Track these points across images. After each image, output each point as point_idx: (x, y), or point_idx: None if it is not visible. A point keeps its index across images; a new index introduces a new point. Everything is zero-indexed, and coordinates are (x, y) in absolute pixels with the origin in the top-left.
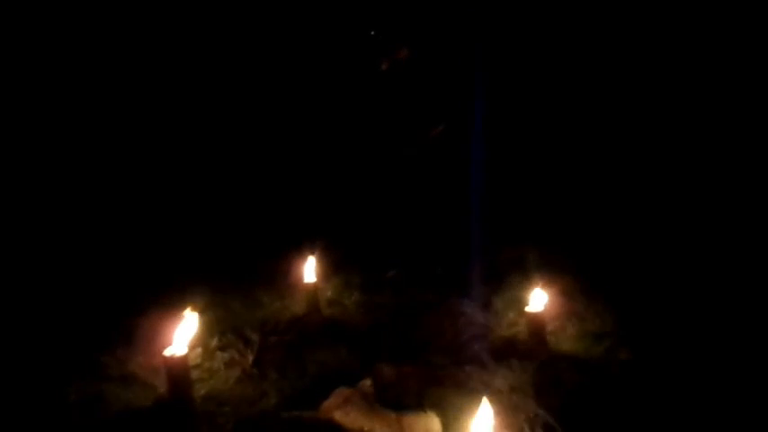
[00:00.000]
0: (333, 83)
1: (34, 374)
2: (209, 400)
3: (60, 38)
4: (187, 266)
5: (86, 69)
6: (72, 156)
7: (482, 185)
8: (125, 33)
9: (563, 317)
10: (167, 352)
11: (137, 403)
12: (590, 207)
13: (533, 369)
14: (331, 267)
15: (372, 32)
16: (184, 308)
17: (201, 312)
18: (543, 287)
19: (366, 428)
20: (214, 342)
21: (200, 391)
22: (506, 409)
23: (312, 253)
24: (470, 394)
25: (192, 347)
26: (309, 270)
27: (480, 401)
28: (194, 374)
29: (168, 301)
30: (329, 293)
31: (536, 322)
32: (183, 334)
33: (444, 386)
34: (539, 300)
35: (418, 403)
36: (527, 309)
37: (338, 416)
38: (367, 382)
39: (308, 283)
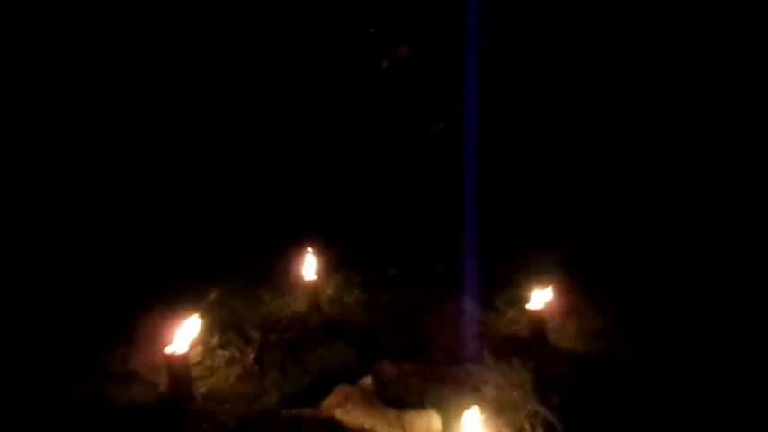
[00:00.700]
0: (333, 81)
1: (36, 372)
2: (209, 398)
3: (60, 38)
4: (188, 265)
5: (86, 69)
6: (74, 155)
7: (482, 183)
8: (125, 33)
9: (563, 314)
10: (168, 350)
11: (137, 401)
12: (590, 205)
13: (534, 366)
14: (331, 265)
15: (372, 30)
16: (191, 312)
17: (202, 312)
18: (544, 285)
19: (367, 426)
20: (215, 340)
21: (201, 388)
22: (507, 406)
23: (313, 251)
24: (471, 392)
25: (193, 345)
26: (310, 268)
27: (480, 399)
28: (195, 372)
29: (169, 300)
30: (330, 291)
31: (536, 320)
32: (184, 334)
33: (445, 384)
34: (539, 297)
35: (419, 401)
36: (527, 306)
37: (339, 414)
38: (367, 380)
39: (308, 281)
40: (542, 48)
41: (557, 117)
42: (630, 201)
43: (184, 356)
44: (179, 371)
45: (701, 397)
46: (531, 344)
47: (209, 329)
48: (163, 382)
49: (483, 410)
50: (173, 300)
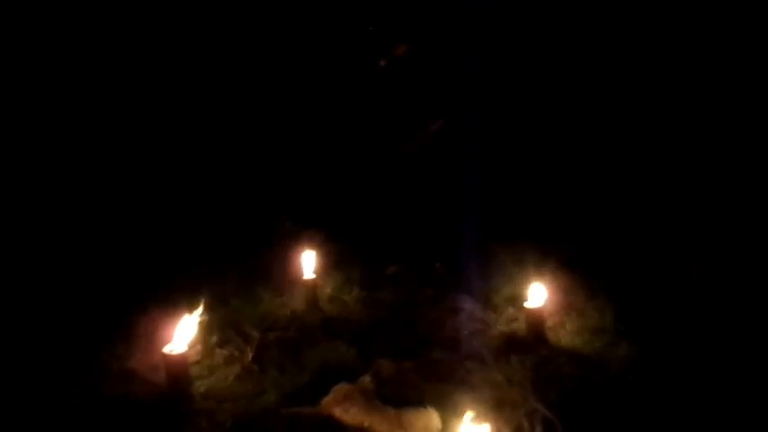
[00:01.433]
0: (333, 79)
1: (35, 371)
2: (208, 397)
3: (60, 38)
4: (186, 263)
5: (85, 69)
6: (72, 154)
7: (481, 181)
8: (123, 32)
9: (562, 312)
10: (167, 349)
11: (136, 400)
12: (589, 202)
13: (532, 364)
14: (330, 263)
15: (371, 28)
16: (193, 308)
17: (200, 311)
18: (542, 283)
19: (366, 425)
20: (213, 339)
21: (200, 388)
22: (506, 404)
23: (311, 249)
24: (470, 390)
25: (192, 344)
26: (309, 266)
27: (479, 397)
28: (194, 371)
29: (168, 298)
30: (329, 289)
31: (535, 317)
32: (183, 333)
33: (444, 382)
34: (538, 295)
35: (418, 399)
36: (526, 304)
37: (338, 412)
38: (367, 379)
39: (307, 280)
40: (540, 46)
41: (556, 115)
42: (629, 199)
43: (183, 355)
44: (178, 370)
45: (699, 394)
46: (529, 342)
47: (207, 328)
48: (162, 382)
49: (482, 409)
50: (171, 299)
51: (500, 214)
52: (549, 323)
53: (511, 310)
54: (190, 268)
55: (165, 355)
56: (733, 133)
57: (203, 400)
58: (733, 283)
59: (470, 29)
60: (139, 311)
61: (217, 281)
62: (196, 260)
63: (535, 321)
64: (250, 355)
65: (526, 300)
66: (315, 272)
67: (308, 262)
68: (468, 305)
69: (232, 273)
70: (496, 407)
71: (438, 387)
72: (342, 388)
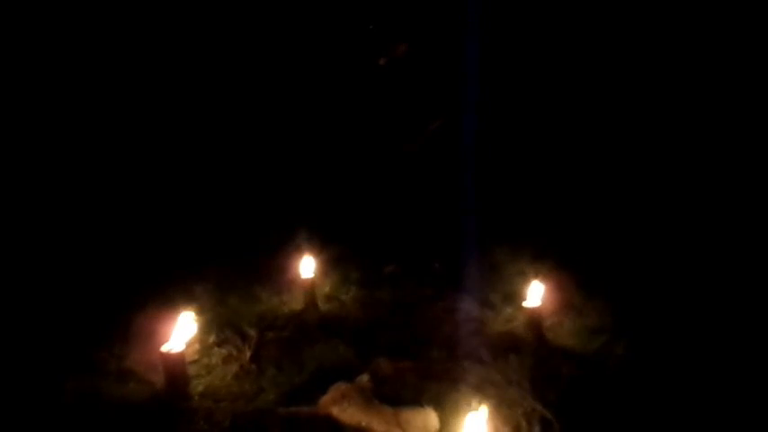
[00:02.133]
0: (332, 79)
1: (32, 370)
2: (206, 397)
3: (60, 38)
4: (184, 262)
5: (85, 69)
6: (69, 153)
7: (479, 181)
8: (122, 32)
9: (560, 312)
10: (164, 348)
11: (134, 399)
12: (587, 203)
13: (530, 364)
14: (329, 263)
15: (371, 26)
16: (187, 309)
17: (198, 311)
18: (540, 282)
19: (364, 424)
20: (211, 338)
21: (198, 387)
22: (504, 403)
23: (309, 248)
24: (468, 389)
25: (190, 344)
26: (307, 266)
27: (477, 397)
28: (191, 370)
29: (166, 298)
30: (327, 289)
31: (533, 317)
32: (180, 332)
33: (442, 381)
34: (536, 295)
35: (416, 398)
36: (524, 304)
37: (336, 411)
38: (365, 378)
39: (305, 279)
40: (538, 45)
41: (554, 113)
42: (628, 198)
43: (181, 355)
44: (175, 369)
45: (697, 394)
46: (527, 341)
47: (205, 328)
48: (159, 381)
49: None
50: (169, 298)
51: (498, 214)
52: (548, 323)
53: (509, 310)
54: (188, 267)
55: (162, 354)
56: (731, 133)
57: (201, 400)
58: (731, 283)
59: (470, 28)
60: (137, 310)
61: (215, 280)
62: (194, 259)
63: (533, 321)
64: (248, 355)
65: (524, 299)
66: (313, 271)
67: (307, 261)
68: (466, 304)
69: (230, 272)
70: (495, 406)
71: (436, 386)
72: (339, 387)
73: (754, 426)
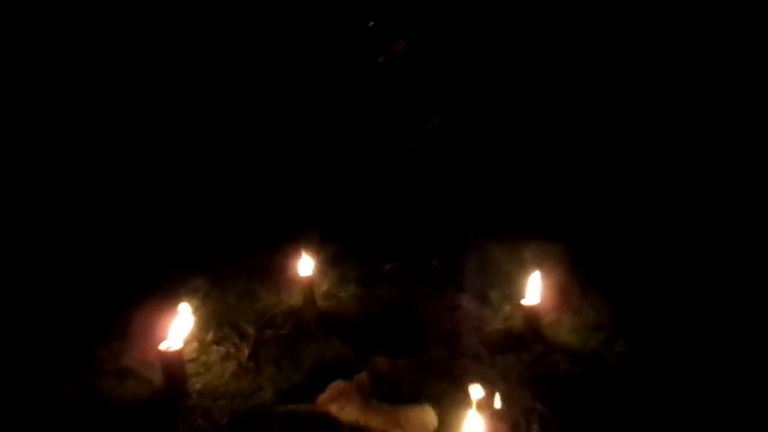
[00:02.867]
0: (330, 77)
1: (30, 368)
2: (204, 395)
3: (60, 38)
4: (182, 260)
5: (84, 68)
6: (67, 151)
7: (478, 179)
8: (121, 32)
9: (559, 309)
10: (162, 346)
11: (131, 397)
12: (586, 200)
13: (529, 362)
14: (327, 260)
15: (371, 24)
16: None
17: (196, 308)
18: (539, 280)
19: (362, 422)
20: (209, 336)
21: (196, 385)
22: (502, 401)
23: (308, 246)
24: (466, 387)
25: (188, 341)
26: (305, 263)
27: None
28: (189, 368)
29: (163, 295)
30: (325, 287)
31: (532, 315)
32: (178, 328)
33: (440, 379)
34: (534, 292)
35: (414, 397)
36: (523, 301)
37: (334, 409)
38: (363, 376)
39: (303, 277)
40: (538, 42)
41: (553, 111)
42: (626, 196)
43: (179, 352)
44: (173, 367)
45: (696, 391)
46: (526, 339)
47: (203, 325)
48: (157, 379)
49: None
50: (167, 296)
51: (497, 212)
52: (546, 320)
53: (507, 308)
54: (186, 265)
55: (160, 352)
56: (730, 133)
57: (199, 398)
58: (729, 281)
59: (469, 26)
60: (135, 308)
61: (213, 277)
62: (192, 257)
63: (532, 319)
64: (246, 352)
65: (523, 297)
66: (311, 269)
67: (305, 259)
68: (464, 302)
69: (228, 269)
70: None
71: (434, 384)
72: (338, 385)
73: (753, 423)
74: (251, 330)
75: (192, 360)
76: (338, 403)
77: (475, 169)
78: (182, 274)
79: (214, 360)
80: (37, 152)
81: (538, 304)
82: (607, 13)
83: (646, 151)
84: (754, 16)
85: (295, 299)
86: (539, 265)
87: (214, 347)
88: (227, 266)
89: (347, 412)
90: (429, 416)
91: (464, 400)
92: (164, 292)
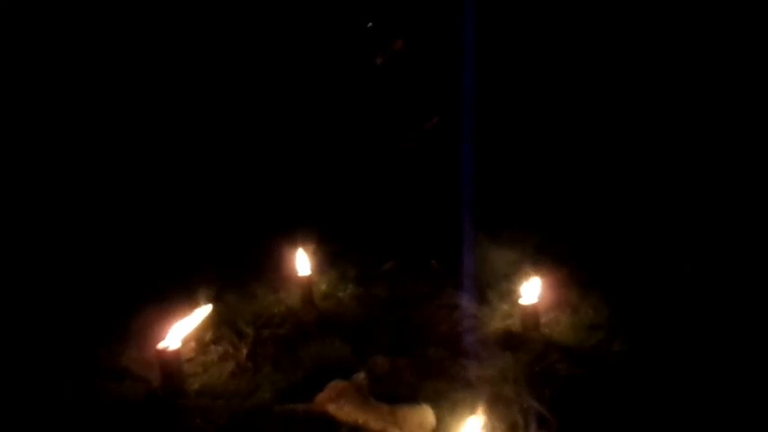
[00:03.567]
0: (329, 76)
1: (30, 367)
2: (202, 394)
3: (61, 38)
4: (181, 261)
5: (85, 69)
6: (69, 154)
7: (477, 178)
8: (121, 32)
9: (557, 309)
10: (161, 346)
11: (130, 397)
12: (584, 200)
13: (527, 361)
14: (326, 260)
15: (370, 24)
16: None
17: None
18: (537, 279)
19: (360, 421)
20: (208, 336)
21: (194, 384)
22: (500, 400)
23: (307, 246)
24: (464, 387)
25: (186, 341)
26: (304, 263)
27: (473, 394)
28: (188, 368)
29: (162, 296)
30: (324, 286)
31: (530, 314)
32: (177, 329)
33: (439, 379)
34: (532, 292)
35: (412, 396)
36: (521, 301)
37: (332, 409)
38: (361, 375)
39: (302, 276)
40: (536, 42)
41: (553, 110)
42: (625, 195)
43: (177, 352)
44: (172, 367)
45: (694, 390)
46: (524, 338)
47: (202, 325)
48: (155, 379)
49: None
50: (166, 296)
51: (495, 211)
52: (544, 319)
53: (506, 307)
54: (184, 266)
55: (158, 352)
56: (726, 135)
57: (197, 397)
58: (726, 281)
59: (467, 23)
60: (134, 308)
61: (211, 277)
62: (190, 257)
63: (530, 318)
64: (244, 352)
65: (521, 296)
66: (310, 268)
67: (304, 259)
68: (463, 302)
69: (227, 269)
70: (491, 403)
71: (432, 384)
72: (336, 385)
73: (751, 422)
74: (249, 330)
75: (191, 360)
76: (336, 403)
77: (474, 169)
78: (180, 274)
79: (212, 360)
80: (40, 155)
81: (536, 303)
82: (607, 13)
83: (644, 152)
84: (754, 16)
85: (293, 298)
86: (537, 265)
87: (212, 347)
88: (226, 266)
89: (345, 411)
90: (427, 415)
91: (462, 399)
92: (162, 293)
